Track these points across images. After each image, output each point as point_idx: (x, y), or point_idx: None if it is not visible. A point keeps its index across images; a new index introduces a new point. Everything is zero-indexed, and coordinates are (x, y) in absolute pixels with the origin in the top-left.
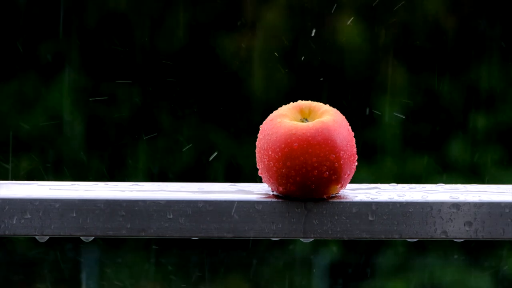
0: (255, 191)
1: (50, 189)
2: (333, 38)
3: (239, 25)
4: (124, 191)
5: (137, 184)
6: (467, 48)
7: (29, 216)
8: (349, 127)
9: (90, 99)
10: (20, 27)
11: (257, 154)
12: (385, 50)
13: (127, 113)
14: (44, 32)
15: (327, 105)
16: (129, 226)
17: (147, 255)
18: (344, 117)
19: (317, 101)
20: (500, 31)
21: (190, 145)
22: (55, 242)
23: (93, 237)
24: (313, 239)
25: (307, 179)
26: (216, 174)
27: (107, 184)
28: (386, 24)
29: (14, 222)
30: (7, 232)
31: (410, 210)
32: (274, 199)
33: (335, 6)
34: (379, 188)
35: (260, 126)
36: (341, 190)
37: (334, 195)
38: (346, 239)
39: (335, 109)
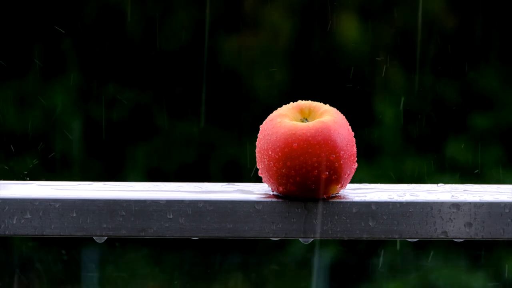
0: (255, 191)
1: (50, 189)
2: (334, 38)
3: (240, 25)
4: (124, 191)
5: (136, 184)
6: (467, 48)
7: (29, 216)
8: (349, 127)
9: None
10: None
11: (257, 154)
12: (386, 50)
13: (126, 112)
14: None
15: (327, 105)
16: (129, 226)
17: (147, 255)
18: (344, 117)
19: (317, 101)
20: (500, 31)
21: (190, 145)
22: (55, 242)
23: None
24: (313, 239)
25: (307, 179)
26: (216, 174)
27: (106, 184)
28: (386, 24)
29: (14, 222)
30: (7, 232)
31: (410, 210)
32: (274, 199)
33: (336, 6)
34: (379, 188)
35: (260, 126)
36: (341, 190)
37: (334, 195)
38: (346, 239)
39: (335, 109)
